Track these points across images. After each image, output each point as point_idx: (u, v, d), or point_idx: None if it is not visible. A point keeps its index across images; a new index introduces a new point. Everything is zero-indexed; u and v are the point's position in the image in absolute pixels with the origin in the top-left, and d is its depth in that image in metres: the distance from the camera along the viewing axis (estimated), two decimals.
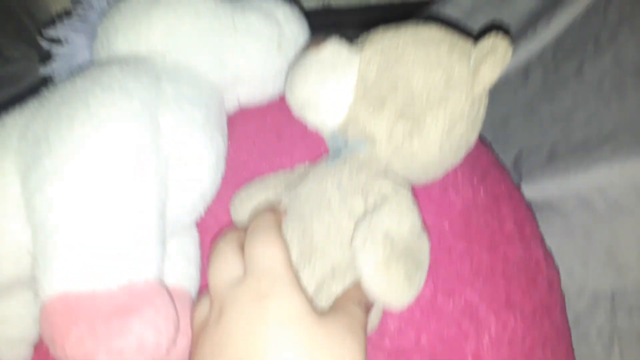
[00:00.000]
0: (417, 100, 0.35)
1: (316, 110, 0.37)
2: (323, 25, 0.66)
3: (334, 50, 0.36)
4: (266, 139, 0.48)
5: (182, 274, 0.39)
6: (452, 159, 0.38)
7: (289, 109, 0.47)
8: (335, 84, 0.36)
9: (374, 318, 0.35)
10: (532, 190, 0.54)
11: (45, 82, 0.78)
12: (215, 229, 0.44)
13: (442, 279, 0.38)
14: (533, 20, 0.58)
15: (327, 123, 0.38)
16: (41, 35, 0.67)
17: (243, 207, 0.42)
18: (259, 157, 0.47)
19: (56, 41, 0.44)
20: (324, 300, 0.32)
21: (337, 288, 0.32)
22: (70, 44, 0.43)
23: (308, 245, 0.34)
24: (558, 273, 0.47)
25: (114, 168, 0.32)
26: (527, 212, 0.48)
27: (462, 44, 0.37)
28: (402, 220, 0.32)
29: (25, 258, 0.34)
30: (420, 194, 0.43)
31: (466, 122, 0.36)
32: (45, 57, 0.77)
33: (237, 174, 0.45)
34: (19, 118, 0.36)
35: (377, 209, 0.32)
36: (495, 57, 0.34)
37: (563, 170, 0.51)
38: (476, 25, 0.64)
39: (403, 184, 0.35)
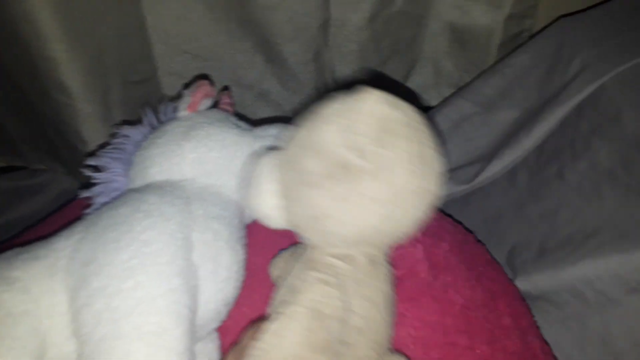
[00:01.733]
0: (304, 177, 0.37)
1: (256, 204, 0.41)
2: None
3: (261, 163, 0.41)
4: (280, 243, 0.53)
5: None
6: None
7: None
8: (268, 182, 0.40)
9: None
10: (526, 284, 0.58)
11: (66, 193, 0.84)
12: (235, 331, 0.47)
13: None
14: (516, 130, 0.65)
15: (266, 215, 0.41)
16: (81, 162, 0.74)
17: (278, 268, 0.46)
18: (263, 258, 0.51)
19: (96, 168, 0.50)
20: None
21: None
22: (108, 171, 0.49)
23: None
24: None
25: (154, 285, 0.36)
26: (523, 306, 0.52)
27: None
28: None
29: None
30: (424, 293, 0.47)
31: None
32: (73, 172, 0.83)
33: (253, 276, 0.50)
34: (67, 241, 0.41)
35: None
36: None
37: (553, 265, 0.56)
38: (464, 134, 0.71)
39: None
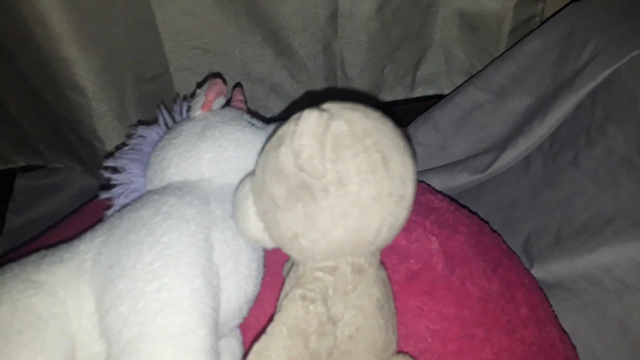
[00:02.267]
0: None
1: (240, 225, 0.42)
2: None
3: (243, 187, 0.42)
4: None
5: None
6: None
7: None
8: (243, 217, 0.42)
9: None
10: (543, 272, 0.58)
11: (85, 191, 0.86)
12: (256, 327, 0.48)
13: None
14: (529, 118, 0.65)
15: (250, 236, 0.42)
16: (98, 161, 0.75)
17: (286, 270, 0.47)
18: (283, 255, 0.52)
19: (115, 169, 0.51)
20: None
21: None
22: (127, 172, 0.50)
23: None
24: (575, 351, 0.50)
25: (178, 287, 0.37)
26: (540, 296, 0.52)
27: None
28: None
29: None
30: (441, 286, 0.47)
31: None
32: (90, 170, 0.85)
33: (273, 273, 0.50)
34: (92, 244, 0.42)
35: None
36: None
37: (570, 252, 0.56)
38: (476, 122, 0.71)
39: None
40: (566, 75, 0.62)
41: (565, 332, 0.52)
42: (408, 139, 0.40)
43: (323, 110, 0.37)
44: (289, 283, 0.41)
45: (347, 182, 0.36)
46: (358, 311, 0.38)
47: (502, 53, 0.74)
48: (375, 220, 0.37)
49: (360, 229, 0.37)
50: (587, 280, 0.54)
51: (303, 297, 0.37)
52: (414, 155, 0.40)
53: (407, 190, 0.38)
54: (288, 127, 0.38)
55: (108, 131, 0.76)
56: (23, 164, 0.89)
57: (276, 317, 0.37)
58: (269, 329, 0.37)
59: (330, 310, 0.38)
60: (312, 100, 0.46)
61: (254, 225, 0.41)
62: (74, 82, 0.69)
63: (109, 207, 0.51)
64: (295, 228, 0.37)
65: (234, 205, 0.42)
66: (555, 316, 0.52)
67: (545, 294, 0.55)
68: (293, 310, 0.37)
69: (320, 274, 0.39)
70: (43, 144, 0.86)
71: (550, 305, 0.53)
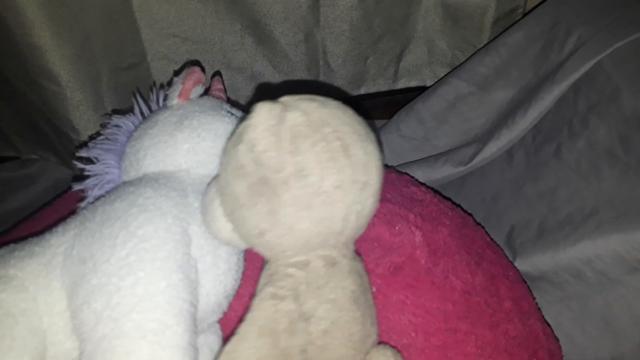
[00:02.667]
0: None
1: (209, 225, 0.41)
2: None
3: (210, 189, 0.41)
4: None
5: None
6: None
7: None
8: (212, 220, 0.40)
9: None
10: (526, 264, 0.58)
11: (59, 183, 0.83)
12: (236, 323, 0.47)
13: (451, 358, 0.41)
14: (512, 110, 0.65)
15: (219, 235, 0.41)
16: (73, 152, 0.73)
17: None
18: None
19: (88, 160, 0.49)
20: None
21: None
22: (101, 162, 0.48)
23: None
24: (558, 344, 0.50)
25: (154, 282, 0.36)
26: (524, 288, 0.52)
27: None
28: None
29: None
30: (424, 280, 0.47)
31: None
32: (64, 162, 0.82)
33: (253, 267, 0.49)
34: (63, 238, 0.40)
35: None
36: None
37: (553, 245, 0.56)
38: (459, 114, 0.70)
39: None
40: (549, 67, 0.62)
41: (548, 325, 0.52)
42: (372, 128, 0.40)
43: (277, 102, 0.37)
44: (261, 281, 0.40)
45: (308, 172, 0.35)
46: (332, 305, 0.37)
47: (485, 45, 0.73)
48: (340, 210, 0.36)
49: (326, 219, 0.36)
50: (569, 272, 0.54)
51: (273, 296, 0.37)
52: (378, 142, 0.39)
53: (371, 176, 0.37)
54: (244, 122, 0.37)
55: (83, 121, 0.73)
56: None
57: (247, 316, 0.37)
58: (239, 329, 0.36)
59: (302, 306, 0.37)
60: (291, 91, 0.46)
61: (224, 227, 0.40)
62: (47, 70, 0.66)
63: (83, 199, 0.49)
64: (261, 225, 0.37)
65: (202, 208, 0.41)
66: (539, 309, 0.52)
67: (528, 287, 0.55)
68: (263, 310, 0.37)
69: (292, 270, 0.38)
70: (16, 135, 0.83)
71: (534, 298, 0.53)
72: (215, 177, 0.41)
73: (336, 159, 0.35)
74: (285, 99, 0.38)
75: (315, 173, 0.35)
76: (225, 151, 0.39)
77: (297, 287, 0.38)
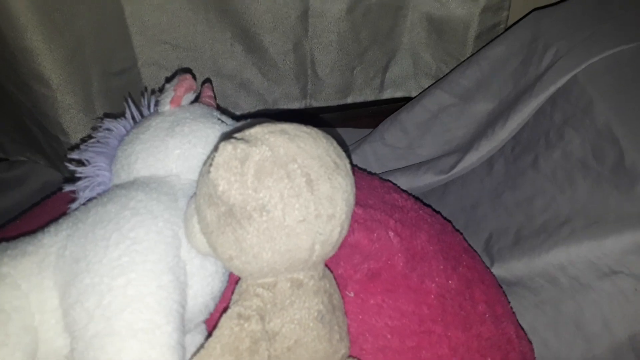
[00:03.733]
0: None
1: (189, 238, 0.42)
2: (306, 123, 0.74)
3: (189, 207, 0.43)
4: None
5: None
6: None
7: None
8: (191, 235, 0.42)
9: None
10: (503, 270, 0.60)
11: (48, 185, 0.84)
12: None
13: (425, 359, 0.43)
14: (492, 121, 0.67)
15: (198, 248, 0.42)
16: (62, 154, 0.74)
17: None
18: None
19: (80, 162, 0.50)
20: None
21: None
22: (92, 165, 0.49)
23: None
24: (531, 346, 0.52)
25: (145, 282, 0.37)
26: (499, 293, 0.54)
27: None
28: None
29: None
30: (401, 284, 0.49)
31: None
32: (54, 164, 0.83)
33: None
34: (56, 237, 0.41)
35: None
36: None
37: (529, 251, 0.58)
38: (442, 124, 0.73)
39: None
40: (528, 80, 0.64)
41: (522, 328, 0.54)
42: (348, 156, 0.42)
43: (244, 138, 0.38)
44: (233, 297, 0.42)
45: (271, 208, 0.36)
46: (296, 325, 0.39)
47: (468, 58, 0.76)
48: (304, 241, 0.38)
49: (290, 250, 0.38)
50: (544, 278, 0.57)
51: (239, 315, 0.39)
52: (351, 172, 0.41)
53: (337, 209, 0.38)
54: (211, 155, 0.39)
55: (73, 124, 0.74)
56: None
57: (214, 333, 0.39)
58: (205, 345, 0.38)
59: (268, 324, 0.39)
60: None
61: (201, 242, 0.41)
62: (38, 73, 0.67)
63: (73, 200, 0.50)
64: (229, 251, 0.38)
65: (183, 222, 0.43)
66: (513, 313, 0.54)
67: (504, 292, 0.57)
68: (228, 328, 0.38)
69: (260, 290, 0.40)
70: (5, 136, 0.84)
71: (509, 302, 0.55)
72: (194, 195, 0.42)
73: (300, 194, 0.36)
74: (255, 130, 0.39)
75: (278, 209, 0.36)
76: (200, 175, 0.40)
77: (264, 306, 0.40)
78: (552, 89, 0.60)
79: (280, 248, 0.37)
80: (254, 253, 0.38)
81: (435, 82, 0.78)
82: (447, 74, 0.76)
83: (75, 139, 0.75)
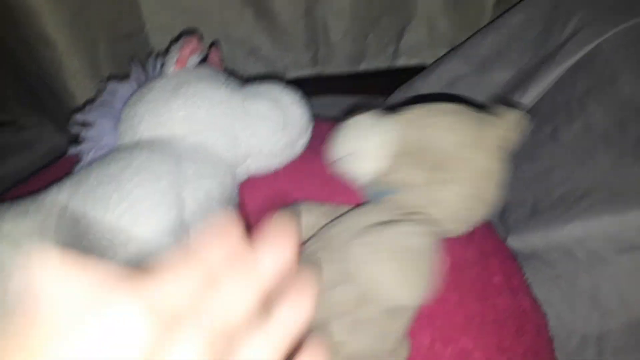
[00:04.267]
0: (447, 157, 0.42)
1: (357, 161, 0.44)
2: (316, 91, 0.72)
3: (374, 115, 0.44)
4: (271, 204, 0.53)
5: None
6: (475, 212, 0.45)
7: (291, 177, 0.52)
8: (378, 138, 0.43)
9: None
10: (518, 242, 0.59)
11: (54, 150, 0.83)
12: None
13: (439, 328, 0.42)
14: (509, 91, 0.64)
15: (369, 171, 0.44)
16: (69, 118, 0.73)
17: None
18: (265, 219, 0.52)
19: (84, 124, 0.49)
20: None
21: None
22: (96, 127, 0.48)
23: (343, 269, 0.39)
24: (545, 319, 0.51)
25: (145, 240, 0.36)
26: (514, 265, 0.53)
27: (481, 114, 0.45)
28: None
29: None
30: None
31: (488, 179, 0.44)
32: (61, 128, 0.82)
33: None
34: (58, 198, 0.40)
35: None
36: (516, 128, 0.44)
37: (545, 224, 0.56)
38: (458, 93, 0.70)
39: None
40: (549, 49, 0.62)
41: (536, 301, 0.52)
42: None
43: None
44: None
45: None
46: None
47: (486, 25, 0.73)
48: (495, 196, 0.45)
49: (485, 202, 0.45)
50: (560, 251, 0.55)
51: None
52: None
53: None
54: None
55: (80, 88, 0.73)
56: None
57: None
58: None
59: None
60: None
61: (376, 156, 0.43)
62: (43, 36, 0.66)
63: (77, 162, 0.49)
64: (461, 183, 0.43)
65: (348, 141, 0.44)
66: (528, 285, 0.53)
67: (519, 264, 0.55)
68: None
69: None
70: (12, 100, 0.83)
71: (524, 275, 0.54)
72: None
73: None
74: None
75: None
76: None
77: None
78: (575, 58, 0.58)
79: None
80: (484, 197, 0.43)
81: (451, 50, 0.76)
82: (464, 42, 0.73)
83: (81, 103, 0.74)
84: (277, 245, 0.18)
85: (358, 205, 0.47)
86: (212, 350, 0.16)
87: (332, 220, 0.45)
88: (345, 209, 0.48)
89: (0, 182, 0.79)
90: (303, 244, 0.45)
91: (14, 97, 0.82)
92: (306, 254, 0.42)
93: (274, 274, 0.18)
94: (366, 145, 0.43)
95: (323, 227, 0.45)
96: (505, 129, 0.43)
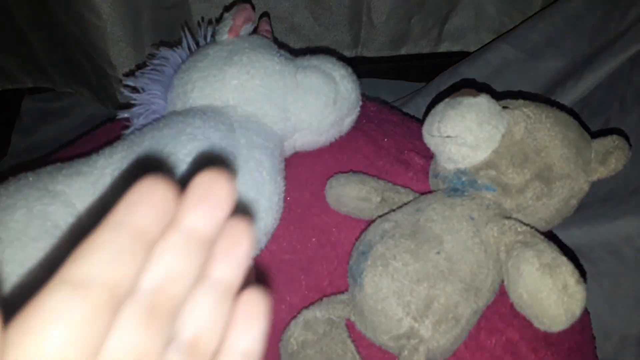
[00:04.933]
0: (553, 169, 0.40)
1: (462, 145, 0.41)
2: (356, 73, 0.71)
3: (490, 101, 0.42)
4: (316, 180, 0.52)
5: None
6: (559, 221, 0.44)
7: (337, 155, 0.52)
8: (490, 128, 0.41)
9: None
10: (562, 237, 0.57)
11: (91, 118, 0.83)
12: (271, 263, 0.47)
13: (485, 317, 0.41)
14: (562, 80, 0.62)
15: (469, 160, 0.42)
16: (107, 86, 0.73)
17: (338, 190, 0.48)
18: (310, 195, 0.51)
19: (135, 89, 0.49)
20: (439, 313, 0.37)
21: (465, 307, 0.37)
22: (147, 93, 0.48)
23: (441, 262, 0.38)
24: (589, 315, 0.50)
25: None
26: None
27: (584, 133, 0.44)
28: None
29: None
30: None
31: (577, 198, 0.42)
32: (99, 96, 0.82)
33: (290, 211, 0.49)
34: (111, 159, 0.40)
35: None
36: (622, 155, 0.42)
37: (591, 219, 0.55)
38: (505, 81, 0.68)
39: None
40: (607, 37, 0.59)
41: None
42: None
43: None
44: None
45: None
46: None
47: (539, 11, 0.71)
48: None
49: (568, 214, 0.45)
50: (605, 248, 0.53)
51: None
52: None
53: None
54: None
55: (121, 57, 0.73)
56: (30, 85, 0.86)
57: None
58: None
59: None
60: None
61: (481, 145, 0.41)
62: (90, 2, 0.66)
63: (121, 130, 0.49)
64: (556, 197, 0.42)
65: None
66: None
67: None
68: None
69: None
70: (52, 66, 0.83)
71: None
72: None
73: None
74: None
75: None
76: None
77: None
78: (634, 48, 0.56)
79: None
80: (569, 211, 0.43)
81: (500, 35, 0.74)
82: (513, 28, 0.71)
83: (122, 72, 0.74)
84: (211, 202, 0.16)
85: (428, 192, 0.46)
86: (157, 324, 0.15)
87: (402, 206, 0.44)
88: (405, 191, 0.47)
89: (36, 147, 0.80)
90: (368, 226, 0.43)
91: (54, 63, 0.82)
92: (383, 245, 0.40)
93: (210, 232, 0.16)
94: (478, 133, 0.41)
95: (396, 210, 0.44)
96: (605, 154, 0.42)
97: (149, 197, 0.15)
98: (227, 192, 0.16)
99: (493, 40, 0.75)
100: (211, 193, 0.16)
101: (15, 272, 0.33)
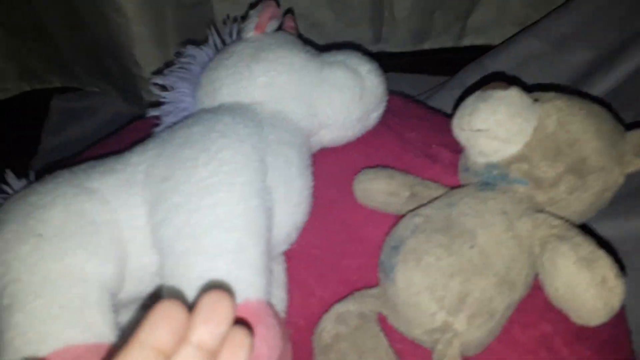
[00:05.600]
0: (586, 162, 0.40)
1: (493, 139, 0.41)
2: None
3: (522, 94, 0.41)
4: (343, 176, 0.52)
5: (274, 296, 0.43)
6: (592, 214, 0.43)
7: (363, 150, 0.52)
8: (521, 121, 0.40)
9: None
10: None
11: (118, 117, 0.85)
12: (300, 256, 0.48)
13: (519, 311, 0.41)
14: (589, 73, 0.62)
15: (500, 154, 0.42)
16: (133, 85, 0.73)
17: (366, 184, 0.48)
18: (337, 191, 0.51)
19: (163, 87, 0.49)
20: (474, 307, 0.36)
21: (500, 301, 0.37)
22: (176, 91, 0.48)
23: (475, 256, 0.38)
24: (624, 309, 0.49)
25: (233, 203, 0.36)
26: None
27: (618, 125, 0.43)
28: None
29: (146, 279, 0.38)
30: None
31: (612, 191, 0.42)
32: (125, 95, 0.83)
33: (318, 206, 0.49)
34: (143, 156, 0.40)
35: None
36: None
37: (623, 213, 0.54)
38: (530, 74, 0.68)
39: None
40: (637, 28, 0.58)
41: None
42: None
43: None
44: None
45: None
46: None
47: (565, 2, 0.70)
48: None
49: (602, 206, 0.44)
50: (637, 242, 0.53)
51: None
52: None
53: None
54: None
55: (146, 56, 0.74)
56: (58, 84, 0.87)
57: None
58: None
59: None
60: None
61: (513, 138, 0.41)
62: (115, 2, 0.67)
63: (150, 129, 0.49)
64: (590, 190, 0.41)
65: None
66: None
67: None
68: None
69: None
70: (79, 66, 0.84)
71: None
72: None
73: None
74: None
75: None
76: None
77: None
78: None
79: None
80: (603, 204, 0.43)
81: (525, 28, 0.73)
82: (539, 20, 0.71)
83: (147, 71, 0.75)
84: (216, 319, 0.20)
85: (456, 186, 0.46)
86: None
87: (432, 201, 0.44)
88: (434, 185, 0.47)
89: (65, 145, 0.81)
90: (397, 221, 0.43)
91: (81, 63, 0.84)
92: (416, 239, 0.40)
93: (216, 344, 0.20)
94: (509, 126, 0.40)
95: (426, 205, 0.43)
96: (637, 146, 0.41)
97: (165, 319, 0.19)
98: (228, 311, 0.20)
99: (518, 32, 0.74)
100: (215, 312, 0.20)
101: (53, 268, 0.34)
